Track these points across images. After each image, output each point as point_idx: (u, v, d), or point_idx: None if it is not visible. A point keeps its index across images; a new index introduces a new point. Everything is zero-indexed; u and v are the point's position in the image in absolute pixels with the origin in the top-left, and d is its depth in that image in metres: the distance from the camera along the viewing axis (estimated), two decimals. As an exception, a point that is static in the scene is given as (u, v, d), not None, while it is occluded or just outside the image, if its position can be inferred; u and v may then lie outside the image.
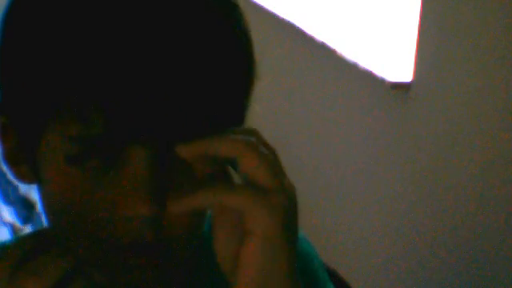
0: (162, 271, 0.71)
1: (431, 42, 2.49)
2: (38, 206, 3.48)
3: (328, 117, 3.10)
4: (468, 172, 2.35)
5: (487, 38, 2.24)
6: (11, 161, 0.75)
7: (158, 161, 0.68)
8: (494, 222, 2.26)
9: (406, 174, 2.65)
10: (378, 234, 2.83)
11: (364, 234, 2.92)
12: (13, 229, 3.48)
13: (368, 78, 2.82)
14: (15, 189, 3.66)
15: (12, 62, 0.70)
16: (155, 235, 0.69)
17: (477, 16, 2.28)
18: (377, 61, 2.70)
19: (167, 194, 0.68)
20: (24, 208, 3.57)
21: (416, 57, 2.58)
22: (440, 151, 2.47)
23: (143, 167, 0.67)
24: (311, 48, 3.17)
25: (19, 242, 0.69)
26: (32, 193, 3.56)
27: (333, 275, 1.43)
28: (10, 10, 0.71)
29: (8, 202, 3.65)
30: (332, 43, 2.85)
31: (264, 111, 3.55)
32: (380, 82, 2.74)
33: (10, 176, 3.72)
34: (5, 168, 3.76)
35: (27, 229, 3.45)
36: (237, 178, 0.69)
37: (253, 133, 0.68)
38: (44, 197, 0.72)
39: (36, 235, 0.71)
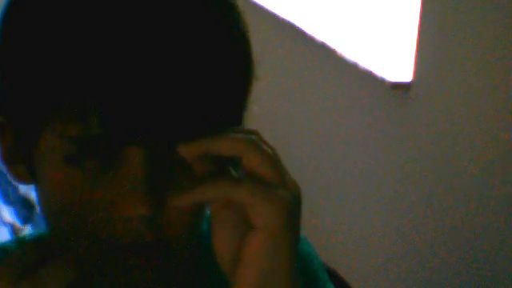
0: (162, 271, 0.71)
1: (431, 41, 2.49)
2: (38, 206, 3.47)
3: (328, 117, 3.10)
4: (468, 172, 2.35)
5: (487, 37, 2.24)
6: (9, 161, 0.75)
7: (156, 161, 0.68)
8: (494, 222, 2.26)
9: (406, 174, 2.65)
10: (378, 233, 2.83)
11: (364, 233, 2.91)
12: (13, 229, 3.47)
13: (368, 77, 2.81)
14: (15, 189, 3.66)
15: (10, 62, 0.70)
16: (155, 235, 0.69)
17: (477, 16, 2.28)
18: (377, 61, 2.70)
19: (166, 193, 0.68)
20: (24, 208, 3.57)
21: (416, 57, 2.57)
22: (440, 151, 2.47)
23: (141, 167, 0.67)
24: (311, 48, 3.17)
25: (22, 250, 0.69)
26: (32, 193, 3.56)
27: (333, 275, 1.42)
28: (8, 11, 0.71)
29: (8, 201, 3.65)
30: (332, 43, 2.85)
31: (264, 111, 3.55)
32: (380, 82, 2.74)
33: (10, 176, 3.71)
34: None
35: (27, 229, 3.45)
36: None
37: (253, 133, 0.68)
38: (42, 197, 0.72)
39: (39, 242, 0.70)
